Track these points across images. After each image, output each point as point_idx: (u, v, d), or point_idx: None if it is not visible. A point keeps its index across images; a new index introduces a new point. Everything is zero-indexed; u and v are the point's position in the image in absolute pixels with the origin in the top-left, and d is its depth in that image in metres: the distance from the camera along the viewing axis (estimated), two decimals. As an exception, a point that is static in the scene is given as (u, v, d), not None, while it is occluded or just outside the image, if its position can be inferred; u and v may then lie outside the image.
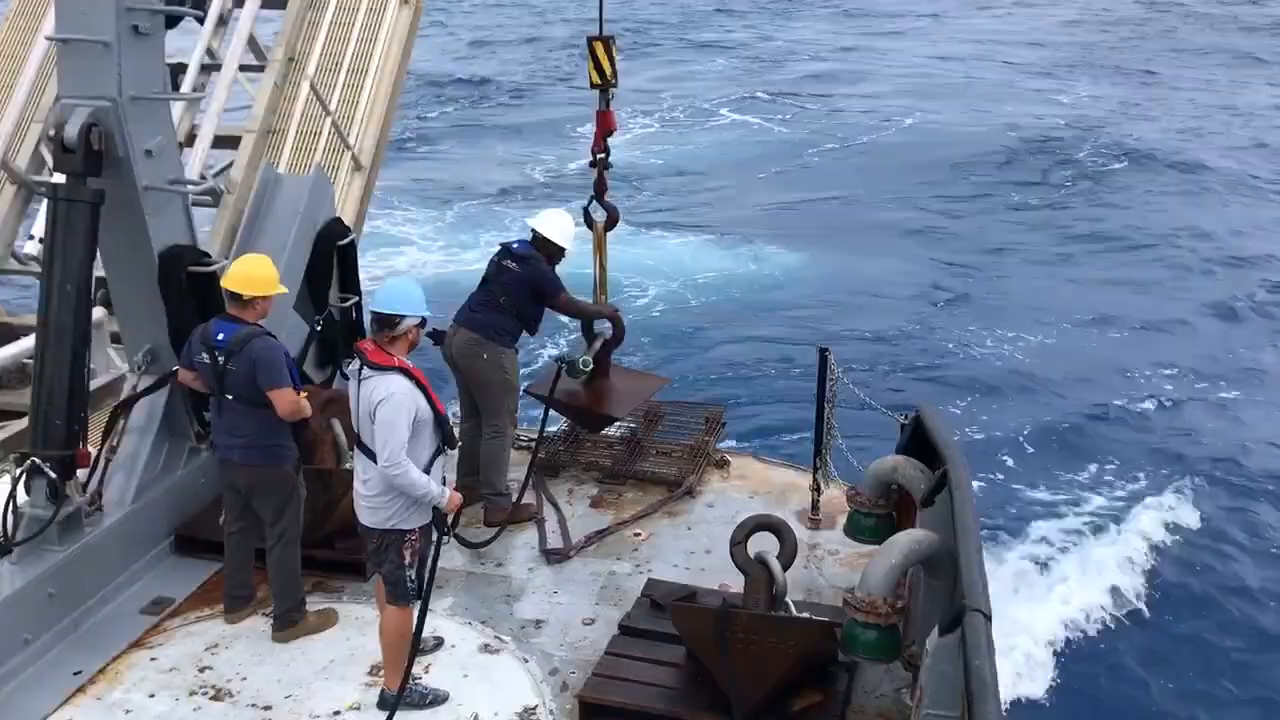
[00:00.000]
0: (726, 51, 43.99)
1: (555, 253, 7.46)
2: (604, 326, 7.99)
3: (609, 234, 8.33)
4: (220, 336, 5.90)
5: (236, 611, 6.27)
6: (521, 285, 7.31)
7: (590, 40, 7.84)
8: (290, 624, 6.11)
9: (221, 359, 5.88)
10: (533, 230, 7.47)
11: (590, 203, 8.17)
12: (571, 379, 7.83)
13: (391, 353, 5.32)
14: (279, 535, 6.07)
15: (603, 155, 8.08)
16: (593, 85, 7.94)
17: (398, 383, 5.21)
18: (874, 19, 51.51)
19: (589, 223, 8.18)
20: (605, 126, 8.01)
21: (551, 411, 7.75)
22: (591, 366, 7.81)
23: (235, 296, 5.92)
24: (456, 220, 23.81)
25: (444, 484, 5.46)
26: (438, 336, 7.31)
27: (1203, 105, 34.55)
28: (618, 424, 8.59)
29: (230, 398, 5.94)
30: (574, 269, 7.78)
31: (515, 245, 7.47)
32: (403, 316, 5.32)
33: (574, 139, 28.72)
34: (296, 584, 6.19)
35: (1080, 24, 50.64)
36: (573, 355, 7.86)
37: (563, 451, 8.28)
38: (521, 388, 7.80)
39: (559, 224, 7.47)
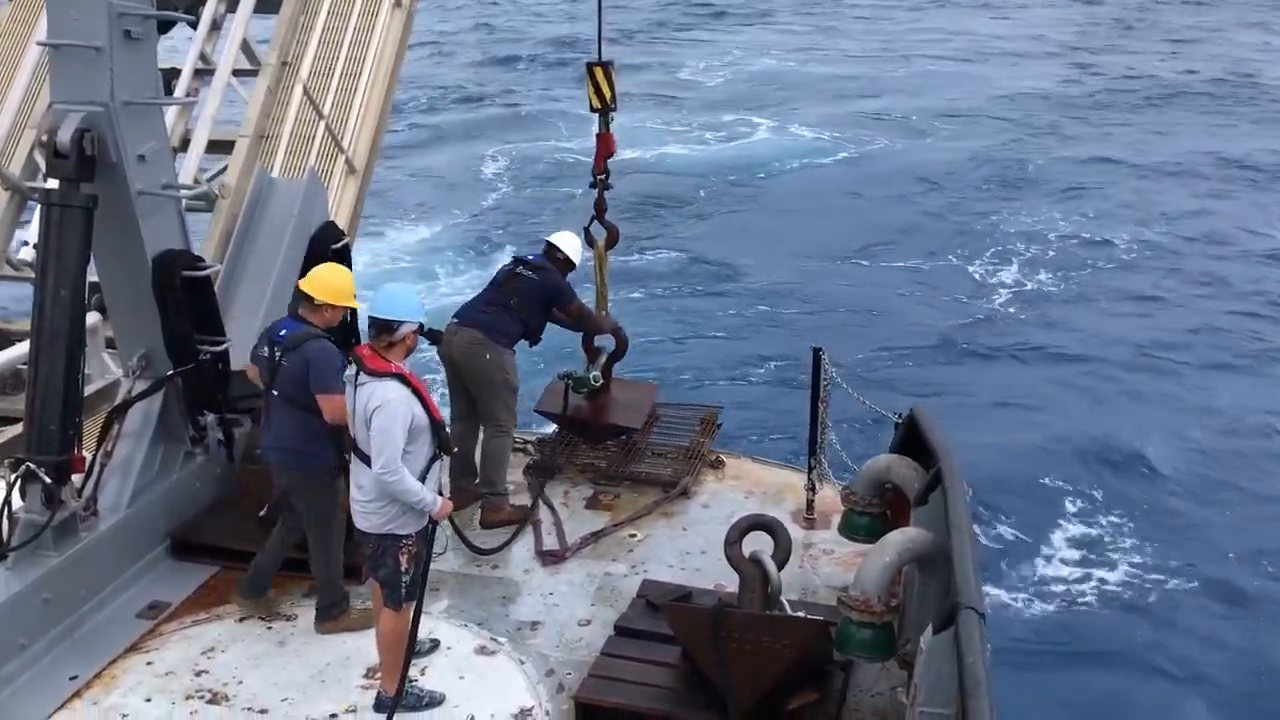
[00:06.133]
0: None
1: (565, 267, 7.82)
2: (605, 341, 8.28)
3: (609, 252, 8.66)
4: (282, 332, 5.97)
5: (251, 599, 6.29)
6: (536, 292, 7.55)
7: (590, 66, 8.10)
8: (331, 618, 6.16)
9: (278, 354, 5.92)
10: (548, 244, 7.84)
11: (591, 222, 8.48)
12: (576, 394, 8.11)
13: (389, 359, 5.32)
14: (315, 537, 6.12)
15: (603, 176, 8.43)
16: (593, 109, 8.21)
17: (394, 389, 5.21)
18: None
19: (590, 242, 8.48)
20: (605, 149, 8.34)
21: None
22: (601, 381, 8.11)
23: (308, 299, 5.95)
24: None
25: (440, 490, 5.47)
26: (435, 336, 7.33)
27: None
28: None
29: (276, 394, 5.97)
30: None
31: (530, 257, 7.80)
32: (401, 322, 5.33)
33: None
34: (337, 581, 6.22)
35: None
36: (580, 373, 8.15)
37: (558, 453, 8.30)
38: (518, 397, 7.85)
39: (572, 241, 7.92)
